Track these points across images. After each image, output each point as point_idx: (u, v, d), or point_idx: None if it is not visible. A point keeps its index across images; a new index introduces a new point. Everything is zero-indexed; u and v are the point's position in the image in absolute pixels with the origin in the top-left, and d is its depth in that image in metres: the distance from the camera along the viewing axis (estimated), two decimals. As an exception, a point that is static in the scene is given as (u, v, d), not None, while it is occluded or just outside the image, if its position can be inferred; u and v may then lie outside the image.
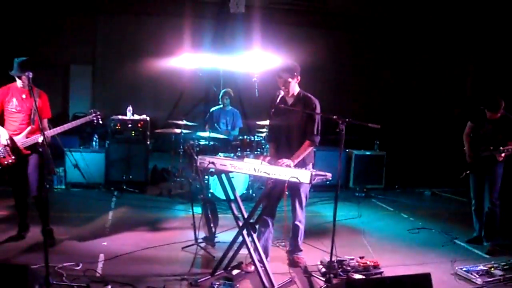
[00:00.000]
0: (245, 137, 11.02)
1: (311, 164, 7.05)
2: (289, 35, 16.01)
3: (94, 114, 7.89)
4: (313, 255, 7.61)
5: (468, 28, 14.81)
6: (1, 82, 7.61)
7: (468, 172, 8.78)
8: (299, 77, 7.01)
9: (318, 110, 6.93)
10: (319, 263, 7.20)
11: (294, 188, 6.90)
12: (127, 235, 8.42)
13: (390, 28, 16.29)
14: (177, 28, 15.66)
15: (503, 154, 8.10)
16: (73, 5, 15.65)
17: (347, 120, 6.19)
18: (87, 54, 17.07)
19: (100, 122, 7.97)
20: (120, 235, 8.39)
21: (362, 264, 7.07)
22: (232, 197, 6.75)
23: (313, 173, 5.79)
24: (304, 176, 5.77)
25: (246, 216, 6.58)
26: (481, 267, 7.27)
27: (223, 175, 6.68)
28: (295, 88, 7.04)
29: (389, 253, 8.16)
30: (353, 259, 7.19)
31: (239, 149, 10.80)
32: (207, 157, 6.67)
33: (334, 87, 15.83)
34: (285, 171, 5.92)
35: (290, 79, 6.91)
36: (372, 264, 7.12)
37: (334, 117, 6.28)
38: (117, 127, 11.80)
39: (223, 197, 8.63)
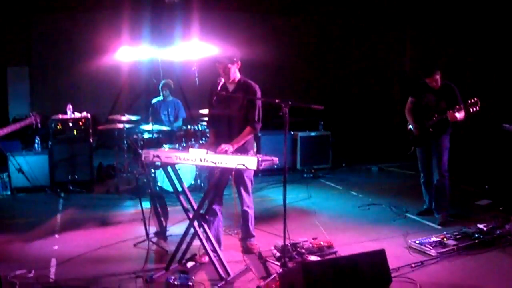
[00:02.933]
0: (189, 127, 10.91)
1: (252, 150, 7.03)
2: (226, 22, 15.94)
3: (33, 117, 7.78)
4: (266, 240, 7.61)
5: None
6: None
7: (415, 146, 8.88)
8: (239, 63, 6.97)
9: (259, 96, 6.90)
10: (273, 247, 7.19)
11: (238, 175, 6.90)
12: (78, 237, 8.25)
13: (328, 7, 16.32)
14: (114, 22, 15.40)
15: (456, 114, 8.15)
16: (5, 5, 15.32)
17: (289, 103, 6.16)
18: (23, 55, 16.74)
19: (39, 126, 7.86)
20: (71, 237, 8.22)
21: (316, 245, 7.09)
22: (180, 189, 6.69)
23: (260, 159, 5.76)
24: (250, 162, 5.74)
25: (195, 207, 6.52)
26: (434, 239, 7.39)
27: (169, 168, 6.61)
28: (235, 74, 6.99)
29: (342, 231, 8.22)
30: (306, 241, 7.20)
31: (183, 139, 10.69)
32: (152, 150, 6.58)
33: (275, 71, 15.82)
34: (231, 159, 5.87)
35: (229, 65, 6.86)
36: (326, 244, 7.15)
37: (277, 100, 6.25)
38: (58, 127, 11.54)
39: (171, 189, 8.58)
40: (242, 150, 6.74)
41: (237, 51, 7.00)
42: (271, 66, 15.53)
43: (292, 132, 13.02)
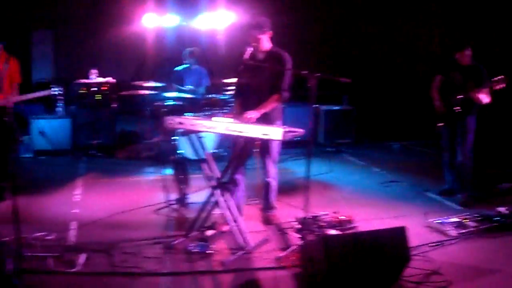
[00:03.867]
0: (213, 95, 10.85)
1: (279, 121, 6.96)
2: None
3: (55, 90, 7.89)
4: (287, 212, 7.58)
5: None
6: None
7: (441, 124, 8.77)
8: (270, 32, 6.89)
9: (290, 66, 6.83)
10: (293, 219, 7.17)
11: (265, 145, 6.84)
12: (98, 201, 8.30)
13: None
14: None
15: (481, 95, 8.08)
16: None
17: (317, 75, 6.08)
18: (48, 19, 16.75)
19: (61, 97, 7.95)
20: (91, 201, 8.27)
21: (336, 219, 7.07)
22: (203, 157, 6.66)
23: (286, 129, 5.71)
24: (275, 133, 5.67)
25: (217, 175, 6.50)
26: (454, 219, 7.31)
27: (193, 135, 6.58)
28: (266, 44, 6.92)
29: (362, 207, 8.15)
30: (327, 214, 7.18)
31: (207, 108, 10.63)
32: (176, 117, 6.55)
33: (302, 43, 15.69)
34: (256, 128, 5.82)
35: (260, 35, 6.79)
36: (346, 218, 7.12)
37: (305, 72, 6.18)
38: (81, 91, 11.58)
39: (193, 157, 8.56)
40: (269, 119, 6.71)
41: (267, 20, 6.89)
42: (298, 38, 15.41)
43: (315, 105, 12.92)
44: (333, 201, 8.35)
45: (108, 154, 11.52)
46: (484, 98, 8.09)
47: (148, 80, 11.38)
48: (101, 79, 11.72)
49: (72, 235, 6.73)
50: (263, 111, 6.63)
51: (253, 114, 6.49)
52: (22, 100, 8.27)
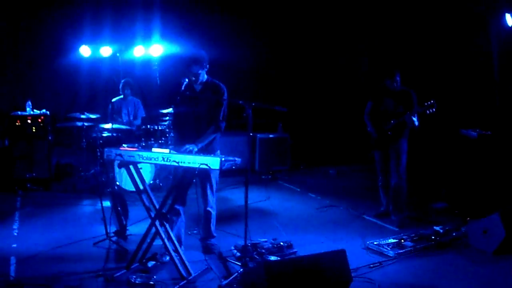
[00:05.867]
0: (149, 126, 10.87)
1: (218, 150, 7.07)
2: (187, 22, 15.87)
3: None
4: (226, 241, 7.64)
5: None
6: None
7: (374, 150, 9.01)
8: (207, 66, 7.02)
9: (226, 96, 6.96)
10: (233, 248, 7.23)
11: (204, 175, 6.92)
12: (37, 235, 8.17)
13: (284, 10, 16.39)
14: (74, 18, 15.25)
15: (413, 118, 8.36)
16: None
17: (253, 104, 6.21)
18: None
19: None
20: (30, 235, 8.14)
21: (276, 246, 7.16)
22: (141, 188, 6.69)
23: (223, 159, 5.80)
24: (213, 162, 5.78)
25: (156, 206, 6.53)
26: (391, 240, 7.54)
27: (131, 167, 6.61)
28: (204, 76, 7.05)
29: (301, 232, 8.30)
30: (266, 241, 7.27)
31: (143, 139, 10.64)
32: (114, 149, 6.58)
33: (233, 72, 15.80)
34: (195, 158, 5.90)
35: (200, 71, 6.92)
36: (286, 244, 7.22)
37: (241, 102, 6.30)
38: (16, 124, 11.44)
39: (130, 189, 8.57)
40: (209, 149, 6.85)
41: (205, 54, 7.05)
42: (229, 67, 15.53)
43: (251, 134, 13.03)
44: (272, 228, 8.44)
45: (44, 187, 11.36)
46: (415, 121, 8.36)
47: (83, 111, 11.31)
48: (36, 111, 11.60)
49: (12, 270, 6.64)
50: (200, 145, 6.74)
51: (191, 147, 6.58)
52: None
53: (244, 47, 16.01)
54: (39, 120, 11.49)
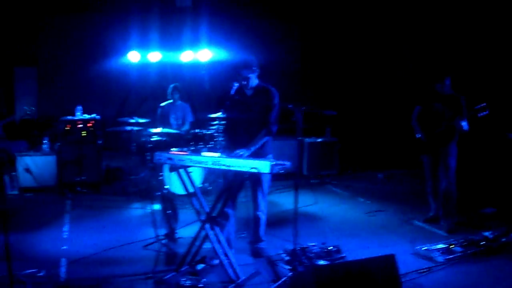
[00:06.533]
0: (197, 131, 10.93)
1: (270, 154, 7.06)
2: (236, 27, 15.94)
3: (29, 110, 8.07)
4: (274, 244, 7.62)
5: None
6: None
7: (423, 154, 8.92)
8: (258, 70, 7.04)
9: (277, 100, 6.96)
10: (282, 251, 7.23)
11: (255, 179, 6.94)
12: (87, 237, 8.29)
13: (333, 14, 16.34)
14: (123, 25, 15.46)
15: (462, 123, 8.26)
16: (14, 5, 15.34)
17: (303, 108, 6.21)
18: (31, 55, 16.75)
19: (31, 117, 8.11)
20: (79, 238, 8.26)
21: (324, 250, 7.13)
22: (191, 191, 6.72)
23: (273, 163, 5.79)
24: (263, 166, 5.76)
25: (206, 210, 6.56)
26: (440, 245, 7.42)
27: (181, 170, 6.65)
28: (254, 81, 7.06)
29: (349, 237, 8.25)
30: (315, 245, 7.24)
31: (191, 143, 10.70)
32: (164, 153, 6.64)
33: (281, 77, 15.80)
34: (245, 162, 5.91)
35: (250, 75, 6.93)
36: (335, 249, 7.18)
37: (290, 106, 6.30)
38: (66, 128, 11.62)
39: (178, 192, 8.62)
40: (261, 153, 6.85)
41: (254, 59, 7.06)
42: (278, 71, 15.54)
43: (299, 138, 13.03)
44: (320, 232, 8.41)
45: (94, 191, 11.52)
46: (464, 126, 8.26)
47: (132, 116, 11.43)
48: (86, 116, 11.77)
49: (63, 271, 6.73)
50: (253, 148, 6.75)
51: (244, 151, 6.60)
52: (6, 137, 8.37)
53: (293, 51, 16.05)
54: (89, 124, 11.65)
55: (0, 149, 7.79)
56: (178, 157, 6.44)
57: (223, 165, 6.02)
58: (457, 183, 8.72)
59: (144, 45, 14.94)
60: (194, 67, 14.59)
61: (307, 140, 13.11)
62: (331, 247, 7.20)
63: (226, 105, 7.07)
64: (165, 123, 11.60)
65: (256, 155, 6.70)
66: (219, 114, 10.88)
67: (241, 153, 6.57)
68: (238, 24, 15.87)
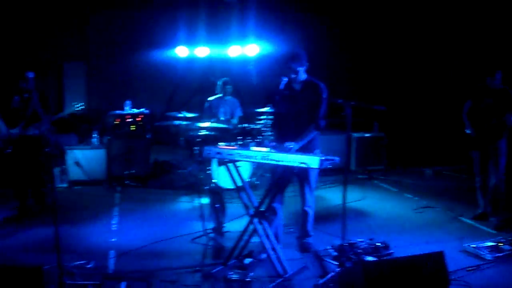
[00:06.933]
0: (245, 125, 10.98)
1: (318, 149, 7.04)
2: (283, 21, 15.92)
3: (78, 106, 8.27)
4: (322, 240, 7.61)
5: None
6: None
7: (472, 150, 8.81)
8: (306, 64, 7.02)
9: (325, 95, 6.94)
10: (329, 247, 7.22)
11: (303, 174, 6.94)
12: (135, 230, 8.44)
13: (381, 8, 16.20)
14: (171, 20, 15.56)
15: None
16: (63, 1, 15.53)
17: (352, 103, 6.18)
18: (80, 51, 16.95)
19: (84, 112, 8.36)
20: (128, 230, 8.41)
21: (372, 246, 7.10)
22: (240, 185, 6.74)
23: (322, 158, 5.78)
24: (313, 161, 5.75)
25: (255, 204, 6.58)
26: (489, 243, 7.32)
27: (230, 165, 6.67)
28: (302, 75, 7.04)
29: (397, 233, 8.18)
30: (363, 241, 7.22)
31: (240, 137, 10.73)
32: (213, 147, 6.68)
33: (329, 70, 15.73)
34: (294, 157, 5.90)
35: (298, 68, 6.92)
36: (382, 245, 7.15)
37: (340, 101, 6.28)
38: (116, 122, 11.77)
39: (226, 186, 8.67)
40: (309, 148, 6.82)
41: (304, 53, 7.03)
42: (325, 65, 15.48)
43: (348, 133, 12.96)
44: (368, 228, 8.39)
45: (142, 184, 11.66)
46: None
47: (180, 110, 11.51)
48: (135, 110, 11.91)
49: (112, 263, 6.86)
50: (301, 143, 6.74)
51: (292, 145, 6.60)
52: (56, 130, 8.56)
53: (340, 45, 15.97)
54: (138, 119, 11.79)
55: (51, 143, 7.90)
56: (227, 152, 6.47)
57: (272, 159, 6.02)
58: (507, 180, 8.60)
59: (191, 40, 15.02)
60: (242, 62, 14.61)
61: (355, 135, 13.05)
62: (379, 243, 7.17)
63: (275, 99, 7.06)
64: (213, 117, 11.64)
65: (304, 150, 6.68)
66: (266, 109, 10.90)
67: (291, 146, 6.56)
68: (285, 18, 15.83)
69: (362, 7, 15.75)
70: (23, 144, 8.43)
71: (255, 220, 6.47)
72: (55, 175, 11.31)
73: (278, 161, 5.97)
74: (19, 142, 8.39)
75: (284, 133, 7.06)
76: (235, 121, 11.64)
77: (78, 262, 6.63)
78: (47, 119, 8.69)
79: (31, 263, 6.54)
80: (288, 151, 6.40)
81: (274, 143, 6.79)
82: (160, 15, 15.94)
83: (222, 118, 11.54)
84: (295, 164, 5.83)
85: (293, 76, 6.94)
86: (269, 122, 10.73)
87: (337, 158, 6.02)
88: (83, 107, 8.31)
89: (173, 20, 15.40)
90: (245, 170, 10.33)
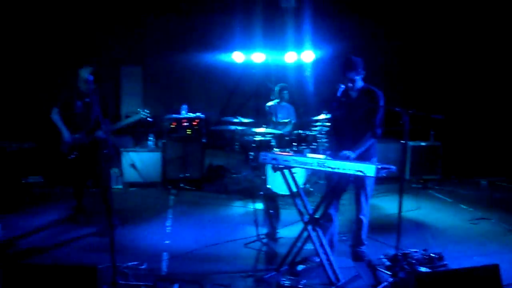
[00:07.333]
0: (300, 131, 10.98)
1: (375, 157, 7.02)
2: (340, 28, 15.87)
3: (144, 113, 8.29)
4: (375, 249, 7.57)
5: None
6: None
7: None
8: (363, 72, 7.02)
9: (382, 103, 6.92)
10: (382, 256, 7.16)
11: (359, 181, 6.91)
12: (189, 233, 8.51)
13: (439, 15, 16.03)
14: (226, 25, 15.67)
15: None
16: (120, 6, 15.75)
17: (410, 112, 6.14)
18: (137, 55, 17.16)
19: (150, 119, 8.34)
20: (182, 233, 8.50)
21: (426, 257, 7.03)
22: (294, 192, 6.75)
23: (379, 166, 5.75)
24: (369, 169, 5.71)
25: (310, 211, 6.57)
26: (547, 256, 7.20)
27: (286, 171, 6.69)
28: (359, 83, 7.04)
29: (451, 244, 8.06)
30: (417, 251, 7.14)
31: (294, 144, 10.75)
32: (269, 153, 6.71)
33: (387, 78, 15.63)
34: (350, 165, 5.88)
35: (356, 77, 6.92)
36: (437, 256, 7.07)
37: (397, 109, 6.25)
38: (172, 126, 11.91)
39: (280, 192, 8.69)
40: (366, 156, 6.81)
41: (360, 60, 7.02)
42: (382, 73, 15.39)
43: (402, 141, 12.87)
44: (422, 238, 8.28)
45: (196, 188, 11.76)
46: None
47: (235, 115, 11.59)
48: (191, 115, 12.02)
49: (164, 265, 6.94)
50: (357, 151, 6.73)
51: (349, 153, 6.59)
52: (115, 132, 8.68)
53: (397, 52, 15.85)
54: (194, 123, 11.89)
55: (109, 144, 8.02)
56: (283, 158, 6.48)
57: (329, 167, 6.00)
58: None
59: (248, 45, 15.09)
60: (298, 68, 14.62)
61: (411, 143, 12.93)
62: (433, 254, 7.07)
63: (332, 106, 7.07)
64: (269, 123, 11.69)
65: (361, 158, 6.67)
66: (322, 116, 10.89)
67: (348, 154, 6.55)
68: (342, 25, 15.80)
69: (420, 13, 15.60)
70: (87, 148, 8.52)
71: (309, 227, 6.47)
72: (111, 177, 11.47)
73: (334, 168, 5.95)
74: (84, 147, 8.48)
75: (340, 140, 7.07)
76: (289, 127, 11.67)
77: (132, 263, 6.71)
78: (107, 122, 8.80)
79: (85, 263, 6.70)
80: (346, 159, 6.39)
81: (329, 151, 6.79)
82: (216, 20, 16.06)
83: (281, 121, 11.58)
84: (351, 172, 5.80)
85: (350, 85, 6.94)
86: (324, 129, 10.71)
87: (393, 167, 5.97)
88: (149, 114, 8.40)
89: (230, 25, 15.50)
90: (300, 176, 10.35)
